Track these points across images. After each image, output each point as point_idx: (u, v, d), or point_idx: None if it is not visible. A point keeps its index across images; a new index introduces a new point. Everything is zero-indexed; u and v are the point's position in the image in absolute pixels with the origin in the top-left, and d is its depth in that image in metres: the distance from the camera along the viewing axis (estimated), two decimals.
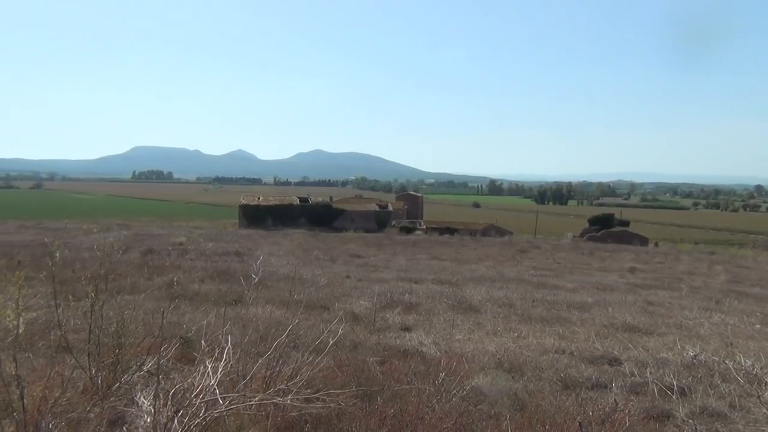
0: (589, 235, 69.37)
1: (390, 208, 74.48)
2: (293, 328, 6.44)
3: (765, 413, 6.47)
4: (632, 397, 7.23)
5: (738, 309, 16.70)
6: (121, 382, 5.56)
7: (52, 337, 7.27)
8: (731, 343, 10.64)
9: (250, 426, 4.91)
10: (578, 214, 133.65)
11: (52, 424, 4.50)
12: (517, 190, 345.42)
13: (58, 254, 5.42)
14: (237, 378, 5.43)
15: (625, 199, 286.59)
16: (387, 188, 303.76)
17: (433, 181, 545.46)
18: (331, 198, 79.35)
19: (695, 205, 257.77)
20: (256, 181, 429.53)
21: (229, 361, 5.48)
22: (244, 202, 69.98)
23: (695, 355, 9.28)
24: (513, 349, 9.67)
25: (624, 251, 47.28)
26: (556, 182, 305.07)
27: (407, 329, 11.32)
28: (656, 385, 7.56)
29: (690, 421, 6.40)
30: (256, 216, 66.71)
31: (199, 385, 4.90)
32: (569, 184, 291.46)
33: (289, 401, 5.08)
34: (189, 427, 4.46)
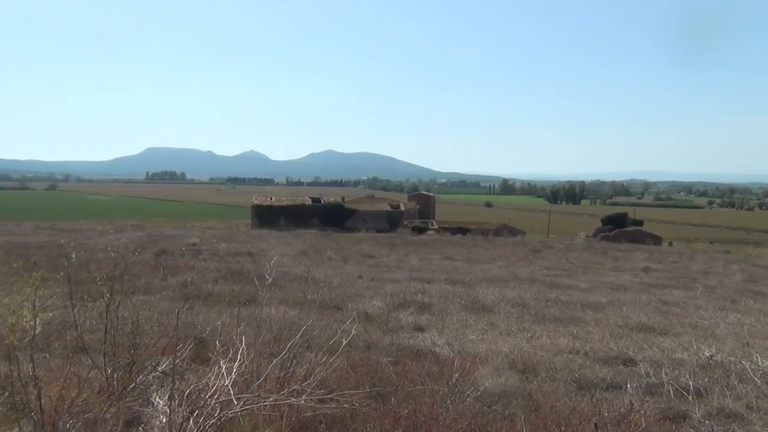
0: (602, 234, 68.94)
1: (402, 208, 74.41)
2: (307, 329, 6.45)
3: None
4: (648, 398, 7.17)
5: (754, 308, 16.53)
6: (136, 383, 5.60)
7: (68, 338, 7.34)
8: (747, 343, 10.54)
9: (265, 426, 4.92)
10: (591, 214, 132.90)
11: (69, 424, 4.53)
12: (530, 189, 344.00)
13: (74, 255, 5.46)
14: (251, 378, 5.45)
15: (639, 198, 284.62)
16: (399, 188, 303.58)
17: (445, 180, 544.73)
18: (343, 198, 79.39)
19: (710, 203, 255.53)
20: (268, 182, 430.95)
21: (244, 361, 5.50)
22: (256, 202, 70.20)
23: (711, 356, 9.19)
24: (527, 350, 9.62)
25: (638, 251, 46.97)
26: (568, 181, 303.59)
27: (420, 329, 11.31)
28: (672, 385, 7.49)
29: (706, 422, 6.34)
30: (269, 216, 66.91)
31: (213, 386, 4.92)
32: (582, 183, 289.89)
33: (303, 402, 5.08)
34: (204, 427, 4.47)
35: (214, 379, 5.05)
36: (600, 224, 76.57)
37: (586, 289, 20.29)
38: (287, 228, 58.69)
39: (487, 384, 7.02)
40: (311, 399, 5.15)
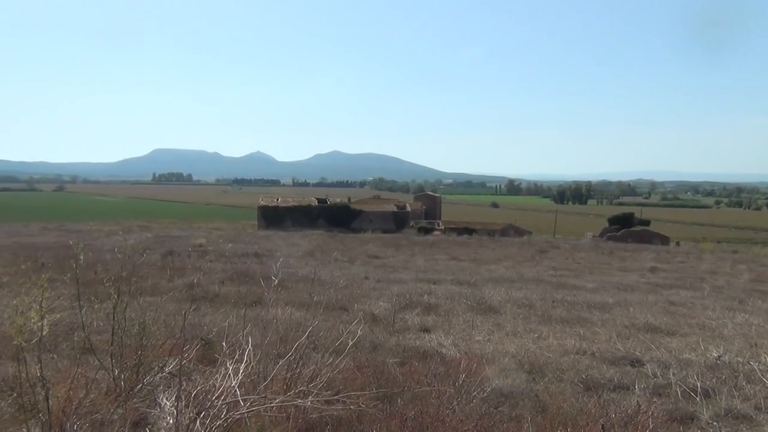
0: (609, 234, 68.70)
1: (408, 208, 74.38)
2: (313, 330, 6.46)
3: None
4: (655, 399, 7.15)
5: (762, 309, 16.44)
6: (143, 384, 5.62)
7: (75, 339, 7.37)
8: (756, 344, 10.48)
9: (271, 428, 4.93)
10: (598, 214, 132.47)
11: (77, 425, 4.55)
12: (536, 189, 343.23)
13: (82, 256, 5.48)
14: (258, 379, 5.46)
15: (646, 198, 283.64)
16: (405, 189, 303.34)
17: (451, 181, 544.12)
18: (349, 199, 79.40)
19: (717, 203, 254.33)
20: (274, 183, 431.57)
21: (250, 362, 5.51)
22: (262, 203, 70.32)
23: (719, 356, 9.14)
24: (533, 351, 9.60)
25: (645, 251, 46.78)
26: (575, 181, 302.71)
27: (426, 330, 11.29)
28: (679, 386, 7.46)
29: (714, 423, 6.31)
30: (275, 217, 67.01)
31: (220, 387, 4.94)
32: (588, 183, 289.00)
33: (309, 403, 5.09)
34: (211, 428, 4.48)
35: (220, 381, 5.06)
36: (607, 224, 76.32)
37: (592, 289, 20.22)
38: (293, 229, 58.72)
39: (493, 385, 7.01)
40: (318, 400, 5.16)
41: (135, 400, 5.39)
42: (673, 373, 8.12)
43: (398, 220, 70.23)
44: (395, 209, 72.70)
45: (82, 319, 5.86)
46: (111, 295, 5.69)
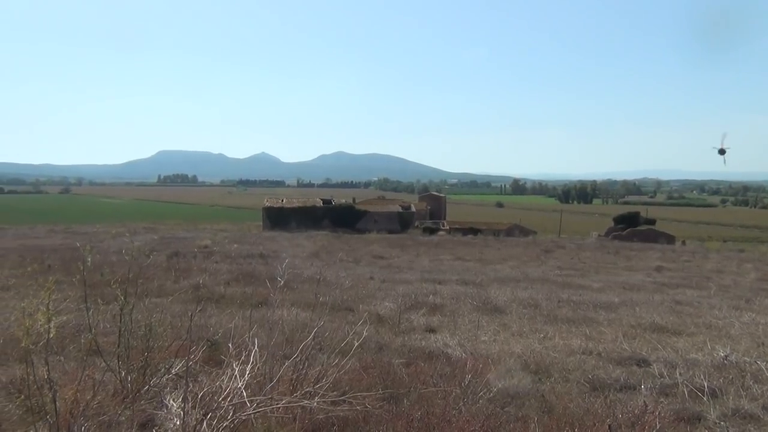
0: (614, 234, 68.56)
1: (413, 208, 74.38)
2: (319, 331, 6.46)
3: None
4: (662, 399, 7.12)
5: None
6: (150, 385, 5.63)
7: (82, 341, 7.40)
8: (763, 343, 10.45)
9: (278, 429, 4.94)
10: (603, 213, 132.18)
11: (84, 427, 4.57)
12: (541, 189, 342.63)
13: (89, 259, 5.50)
14: (264, 381, 5.47)
15: (651, 197, 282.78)
16: (409, 189, 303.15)
17: (455, 181, 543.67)
18: (353, 199, 79.44)
19: (723, 202, 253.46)
20: (279, 184, 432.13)
21: (256, 363, 5.52)
22: (267, 204, 70.45)
23: (726, 356, 9.10)
24: (539, 351, 9.58)
25: (650, 250, 46.66)
26: (580, 181, 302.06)
27: (432, 331, 11.29)
28: (686, 386, 7.43)
29: (722, 423, 6.28)
30: (280, 218, 67.11)
31: (226, 388, 4.95)
32: (594, 182, 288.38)
33: (315, 404, 5.10)
34: (218, 429, 4.50)
35: (227, 382, 5.07)
36: (612, 223, 76.18)
37: (598, 289, 20.17)
38: (298, 230, 58.80)
39: (499, 385, 7.00)
40: (324, 401, 5.16)
41: (142, 401, 5.41)
42: (680, 373, 8.10)
43: (403, 221, 70.23)
44: (400, 210, 72.72)
45: (89, 321, 5.88)
46: (118, 296, 5.71)
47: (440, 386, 6.67)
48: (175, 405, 5.08)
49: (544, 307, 14.80)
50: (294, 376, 5.68)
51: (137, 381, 5.62)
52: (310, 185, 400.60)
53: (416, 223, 70.33)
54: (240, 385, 4.95)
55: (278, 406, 4.96)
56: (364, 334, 7.49)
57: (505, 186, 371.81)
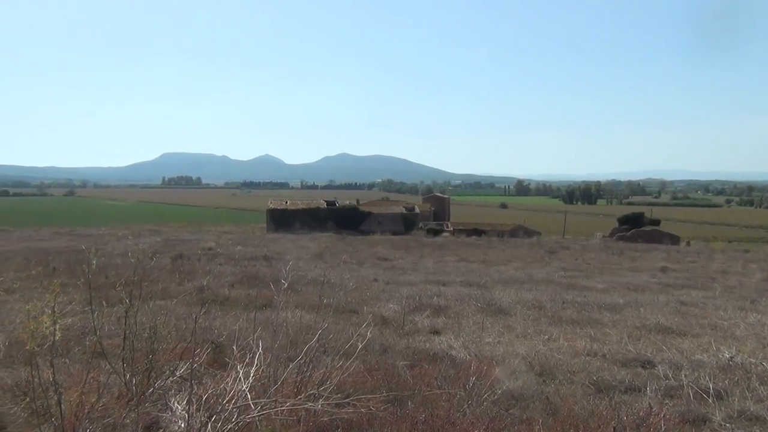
0: (619, 234, 68.38)
1: (417, 210, 74.36)
2: (323, 333, 6.46)
3: None
4: (667, 401, 7.10)
5: None
6: (155, 388, 5.64)
7: (87, 343, 7.41)
8: None
9: (282, 431, 4.94)
10: (607, 214, 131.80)
11: (89, 430, 4.58)
12: (545, 190, 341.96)
13: (95, 261, 5.51)
14: (268, 383, 5.47)
15: (656, 197, 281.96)
16: (413, 190, 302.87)
17: (459, 182, 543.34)
18: (357, 201, 79.45)
19: (728, 202, 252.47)
20: (283, 186, 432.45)
21: (260, 366, 5.52)
22: (271, 206, 70.50)
23: (731, 357, 9.08)
24: (544, 352, 9.56)
25: (655, 250, 46.53)
26: (584, 181, 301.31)
27: (436, 332, 11.28)
28: (691, 388, 7.41)
29: (727, 425, 6.26)
30: (284, 220, 67.16)
31: (231, 391, 4.95)
32: (598, 183, 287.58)
33: (320, 406, 5.10)
34: None
35: (231, 384, 5.08)
36: (616, 224, 75.98)
37: (603, 290, 20.13)
38: (302, 231, 58.83)
39: (504, 387, 7.00)
40: (328, 403, 5.16)
41: (147, 404, 5.42)
42: (685, 375, 8.07)
43: (407, 222, 70.22)
44: (404, 211, 72.72)
45: (94, 323, 5.90)
46: (122, 299, 5.72)
47: (444, 388, 6.66)
48: (179, 407, 5.09)
49: (548, 308, 14.78)
50: (298, 379, 5.69)
51: (142, 383, 5.63)
52: (314, 187, 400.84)
53: (420, 225, 70.30)
54: (244, 387, 4.96)
55: (282, 408, 4.96)
56: (368, 336, 7.48)
57: (508, 187, 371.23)
